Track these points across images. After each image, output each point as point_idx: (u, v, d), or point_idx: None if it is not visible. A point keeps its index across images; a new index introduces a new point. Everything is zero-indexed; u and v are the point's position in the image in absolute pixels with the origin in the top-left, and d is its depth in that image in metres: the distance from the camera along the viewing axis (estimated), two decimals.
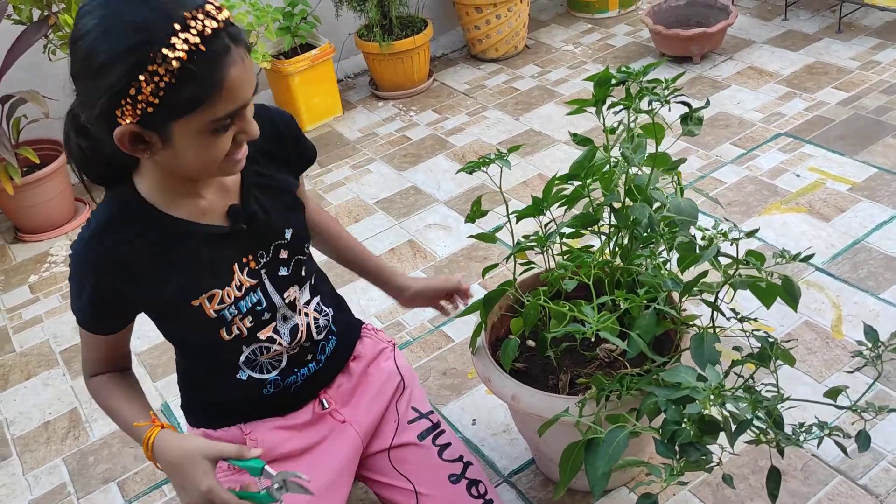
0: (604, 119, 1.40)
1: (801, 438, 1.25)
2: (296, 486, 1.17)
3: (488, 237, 1.44)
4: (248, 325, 1.24)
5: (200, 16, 0.97)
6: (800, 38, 3.23)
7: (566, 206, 1.43)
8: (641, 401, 1.27)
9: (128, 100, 0.98)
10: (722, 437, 1.24)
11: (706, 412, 1.18)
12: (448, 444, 1.45)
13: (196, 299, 1.18)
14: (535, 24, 3.78)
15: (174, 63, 0.95)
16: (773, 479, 1.29)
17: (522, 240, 1.42)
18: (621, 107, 1.36)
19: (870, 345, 1.23)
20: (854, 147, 2.52)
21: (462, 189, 2.64)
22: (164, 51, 0.95)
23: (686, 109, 1.34)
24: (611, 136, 1.45)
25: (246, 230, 1.21)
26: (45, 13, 2.63)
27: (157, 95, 0.97)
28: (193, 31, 0.96)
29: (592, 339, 1.47)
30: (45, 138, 2.89)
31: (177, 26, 0.95)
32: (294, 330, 1.29)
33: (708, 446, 1.25)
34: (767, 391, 1.29)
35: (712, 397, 1.14)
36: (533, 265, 1.51)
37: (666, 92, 1.31)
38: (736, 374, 1.33)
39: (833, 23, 3.28)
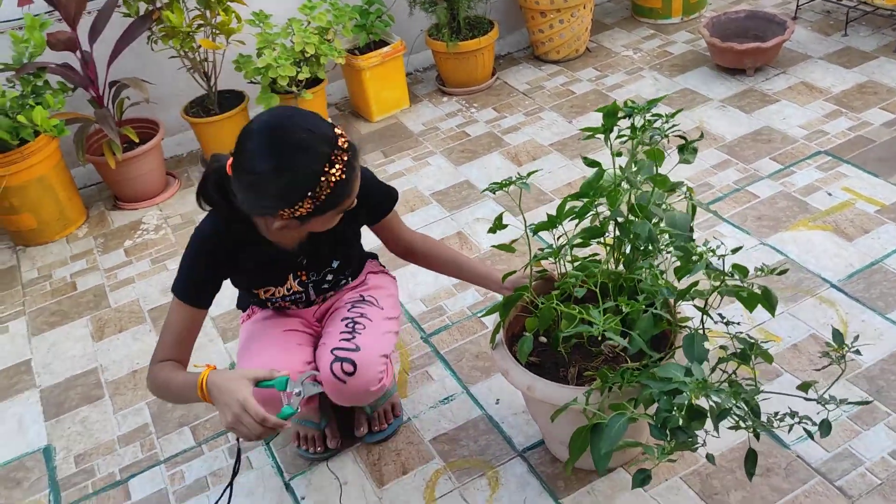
0: (611, 145, 1.60)
1: (775, 425, 1.45)
2: (310, 385, 1.54)
3: (507, 248, 1.67)
4: (284, 303, 1.83)
5: (339, 152, 1.44)
6: (856, 56, 3.31)
7: (577, 220, 1.65)
8: (639, 392, 1.49)
9: (290, 211, 1.46)
10: (709, 423, 1.46)
11: (694, 402, 1.39)
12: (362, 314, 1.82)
13: (258, 290, 1.78)
14: (598, 27, 3.94)
15: (328, 190, 1.45)
16: (751, 459, 1.50)
17: (539, 252, 1.65)
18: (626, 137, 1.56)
19: (835, 346, 1.42)
20: (890, 169, 2.63)
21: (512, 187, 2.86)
22: (322, 181, 1.43)
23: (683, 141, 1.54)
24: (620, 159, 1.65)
25: (304, 262, 1.76)
26: (151, 8, 2.94)
27: (311, 208, 1.46)
28: (339, 166, 1.44)
29: (599, 338, 1.69)
30: (144, 118, 3.22)
31: (327, 167, 1.43)
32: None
33: (696, 431, 1.47)
34: (748, 385, 1.49)
35: (697, 389, 1.35)
36: (546, 272, 1.73)
37: (666, 126, 1.50)
38: (722, 370, 1.53)
39: (892, 41, 3.34)
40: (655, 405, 1.45)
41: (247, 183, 1.47)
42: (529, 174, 1.63)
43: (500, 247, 1.69)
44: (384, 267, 2.06)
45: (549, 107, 3.36)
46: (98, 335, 2.54)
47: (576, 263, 1.68)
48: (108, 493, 2.00)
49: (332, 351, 1.72)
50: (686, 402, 1.34)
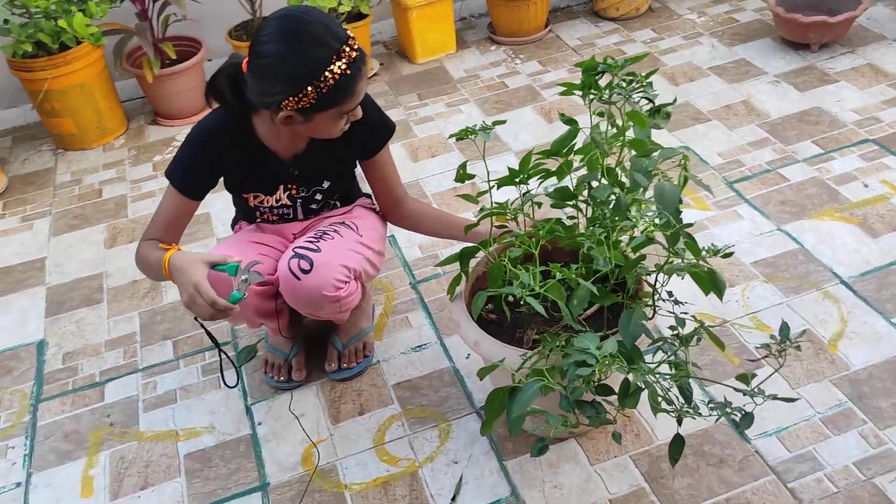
0: (590, 103, 1.52)
1: (703, 413, 1.39)
2: (255, 274, 1.61)
3: (471, 199, 1.62)
4: (272, 216, 1.88)
5: (348, 49, 1.51)
6: None
7: (542, 179, 1.58)
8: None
9: (294, 99, 1.52)
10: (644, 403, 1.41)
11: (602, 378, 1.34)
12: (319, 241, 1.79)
13: (247, 194, 1.84)
14: None
15: (332, 81, 1.51)
16: (676, 444, 1.45)
17: (496, 205, 1.59)
18: (593, 95, 1.48)
19: (779, 339, 1.34)
20: None
21: (536, 142, 2.78)
22: (327, 74, 1.50)
23: (651, 104, 1.45)
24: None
25: (295, 174, 1.80)
26: None
27: (315, 99, 1.52)
28: (345, 61, 1.51)
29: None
30: (188, 36, 3.26)
31: (334, 58, 1.49)
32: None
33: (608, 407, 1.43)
34: (687, 370, 1.42)
35: (604, 364, 1.30)
36: (507, 229, 1.67)
37: (632, 87, 1.41)
38: (665, 351, 1.46)
39: None
40: None
41: (257, 68, 1.54)
42: (495, 123, 1.57)
43: (465, 197, 1.65)
44: (376, 207, 2.04)
45: None
46: (110, 242, 2.63)
47: (548, 224, 1.63)
48: (85, 392, 2.08)
49: (293, 249, 1.75)
50: (587, 375, 1.29)
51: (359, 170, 1.92)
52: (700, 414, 1.36)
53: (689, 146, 2.67)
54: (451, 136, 1.60)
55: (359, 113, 1.65)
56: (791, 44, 3.13)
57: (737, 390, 1.38)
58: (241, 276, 1.61)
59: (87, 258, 2.57)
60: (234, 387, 2.01)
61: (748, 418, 1.33)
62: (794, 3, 3.14)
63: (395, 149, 2.82)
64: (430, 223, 1.96)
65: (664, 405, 1.37)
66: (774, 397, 1.32)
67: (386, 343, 2.10)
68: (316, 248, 1.73)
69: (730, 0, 3.58)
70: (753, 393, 1.33)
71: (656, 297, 1.50)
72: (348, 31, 1.54)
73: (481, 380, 1.52)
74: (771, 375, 1.48)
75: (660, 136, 2.63)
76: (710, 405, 1.37)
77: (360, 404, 1.94)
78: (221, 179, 1.81)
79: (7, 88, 3.24)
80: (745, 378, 1.37)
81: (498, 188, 1.60)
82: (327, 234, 1.81)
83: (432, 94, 3.20)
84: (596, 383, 1.34)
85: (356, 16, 3.19)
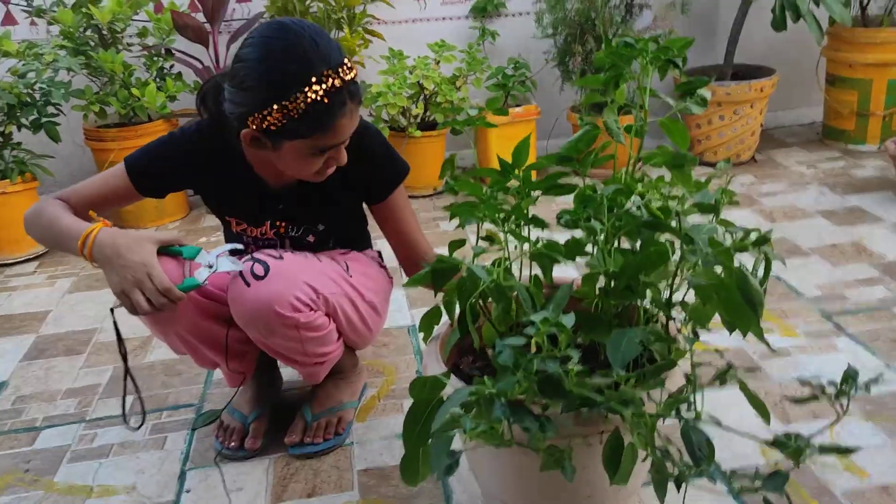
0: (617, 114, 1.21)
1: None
2: (226, 260, 1.37)
3: (458, 244, 1.27)
4: (254, 245, 1.61)
5: (333, 74, 1.27)
6: None
7: (555, 194, 1.25)
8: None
9: (259, 116, 1.29)
10: None
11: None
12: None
13: (230, 217, 1.60)
14: (776, 144, 3.46)
15: (302, 105, 1.27)
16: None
17: (482, 242, 1.25)
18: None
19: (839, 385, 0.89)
20: None
21: None
22: (299, 95, 1.26)
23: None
24: None
25: (283, 209, 1.56)
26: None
27: (282, 122, 1.29)
28: (324, 86, 1.27)
29: None
30: None
31: (313, 79, 1.26)
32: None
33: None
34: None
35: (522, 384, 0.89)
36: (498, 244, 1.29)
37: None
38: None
39: None
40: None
41: (230, 73, 1.33)
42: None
43: (453, 211, 1.29)
44: (384, 263, 1.75)
45: None
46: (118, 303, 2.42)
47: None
48: (17, 435, 1.78)
49: (252, 254, 1.44)
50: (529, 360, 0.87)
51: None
52: (712, 479, 0.90)
53: (780, 276, 2.25)
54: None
55: (342, 158, 1.40)
56: None
57: (772, 445, 0.92)
58: (206, 260, 1.37)
59: (88, 315, 2.36)
60: (138, 429, 1.66)
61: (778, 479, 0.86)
62: None
63: None
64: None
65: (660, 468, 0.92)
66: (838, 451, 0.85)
67: (367, 426, 1.71)
68: (278, 255, 1.43)
69: (846, 158, 3.23)
70: (795, 444, 0.86)
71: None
72: (346, 60, 1.31)
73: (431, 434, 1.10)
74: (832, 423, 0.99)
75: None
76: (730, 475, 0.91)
77: (314, 486, 1.53)
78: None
79: (81, 160, 3.26)
80: (782, 445, 0.90)
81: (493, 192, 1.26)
82: (303, 253, 1.51)
83: None
84: (536, 376, 0.91)
85: (432, 125, 3.07)
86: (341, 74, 1.29)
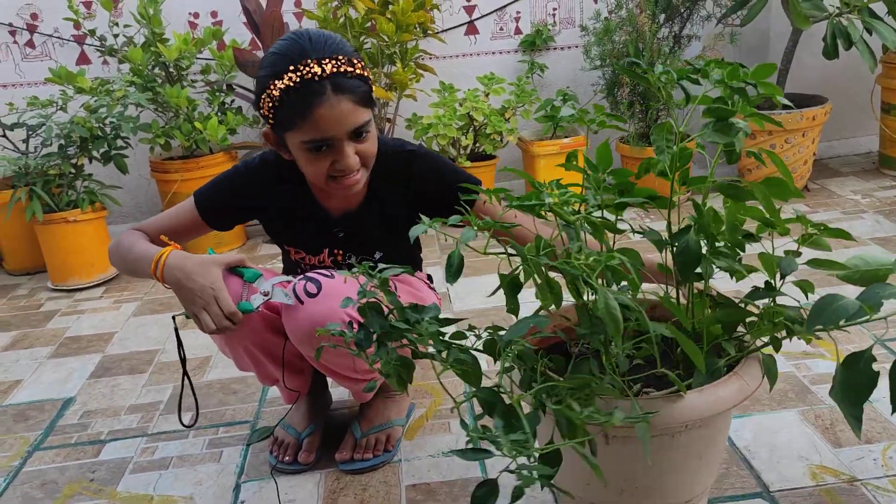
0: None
1: None
2: (280, 291, 1.43)
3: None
4: (312, 270, 1.58)
5: (311, 64, 1.32)
6: None
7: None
8: None
9: (260, 109, 1.39)
10: None
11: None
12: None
13: (289, 246, 1.67)
14: (830, 173, 3.43)
15: (276, 93, 1.34)
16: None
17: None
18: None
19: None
20: None
21: None
22: (277, 82, 1.33)
23: None
24: None
25: (343, 237, 1.62)
26: None
27: (271, 112, 1.37)
28: (297, 75, 1.32)
29: None
30: None
31: (290, 68, 1.32)
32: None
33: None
34: None
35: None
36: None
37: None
38: None
39: None
40: None
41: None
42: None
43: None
44: (432, 286, 1.80)
45: None
46: (181, 326, 2.51)
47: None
48: (84, 448, 1.86)
49: (306, 275, 1.50)
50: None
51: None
52: None
53: None
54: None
55: (345, 160, 1.39)
56: None
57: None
58: (263, 287, 1.43)
59: (151, 336, 2.47)
60: (192, 427, 1.77)
61: None
62: None
63: None
64: None
65: None
66: None
67: (416, 443, 1.75)
68: (330, 274, 1.49)
69: None
70: None
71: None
72: (344, 57, 1.34)
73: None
74: None
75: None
76: None
77: (362, 500, 1.57)
78: None
79: (147, 191, 3.41)
80: None
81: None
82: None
83: None
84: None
85: (482, 156, 3.13)
86: (323, 64, 1.32)
